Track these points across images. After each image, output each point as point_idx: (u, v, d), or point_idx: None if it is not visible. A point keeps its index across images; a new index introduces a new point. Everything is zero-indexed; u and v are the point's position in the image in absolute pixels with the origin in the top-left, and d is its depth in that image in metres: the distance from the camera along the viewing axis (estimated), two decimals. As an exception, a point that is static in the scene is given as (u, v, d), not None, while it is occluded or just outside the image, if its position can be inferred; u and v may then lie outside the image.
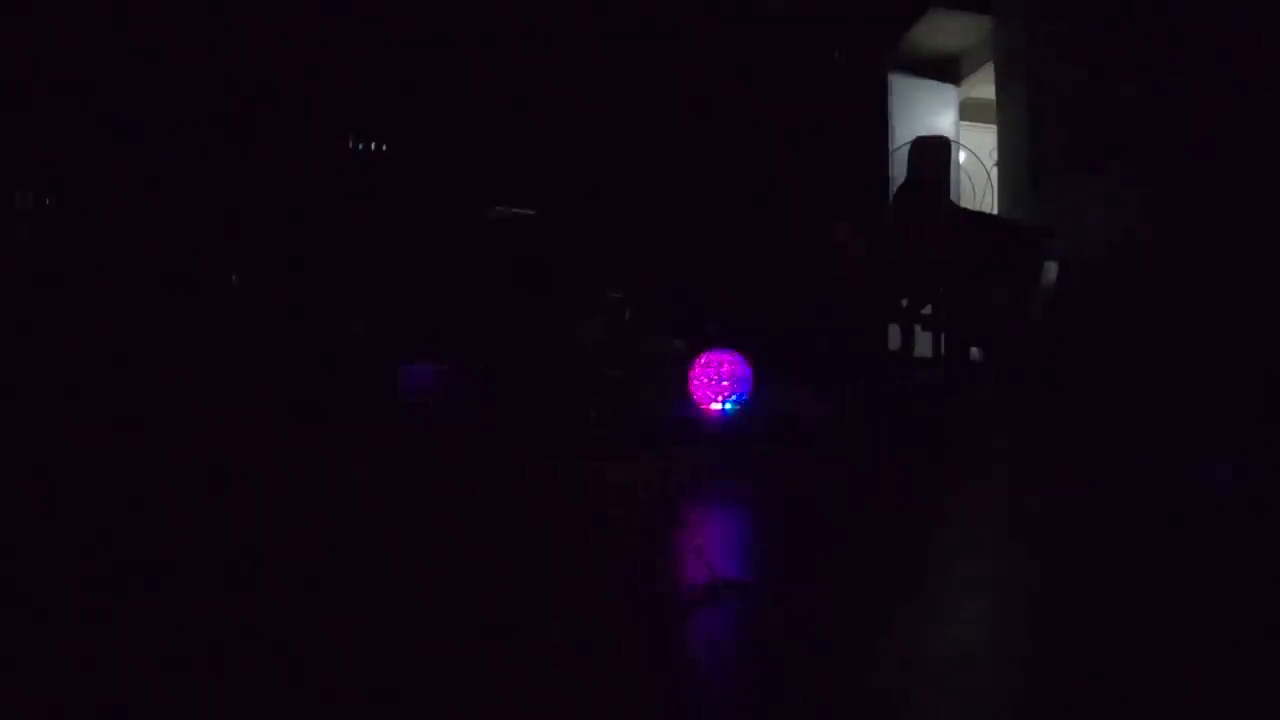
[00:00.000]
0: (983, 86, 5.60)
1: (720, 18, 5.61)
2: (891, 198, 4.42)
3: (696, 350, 3.39)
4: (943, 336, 3.66)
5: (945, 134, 5.02)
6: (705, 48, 5.58)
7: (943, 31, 5.47)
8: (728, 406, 3.21)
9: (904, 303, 3.79)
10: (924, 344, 3.79)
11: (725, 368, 3.23)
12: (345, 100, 5.19)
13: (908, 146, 3.95)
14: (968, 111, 6.06)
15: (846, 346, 4.17)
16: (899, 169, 4.91)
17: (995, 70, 5.15)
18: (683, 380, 3.32)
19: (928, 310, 3.77)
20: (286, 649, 1.05)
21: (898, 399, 3.63)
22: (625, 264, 4.83)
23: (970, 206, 5.37)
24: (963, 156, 5.87)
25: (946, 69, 5.88)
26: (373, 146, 5.31)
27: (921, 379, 3.77)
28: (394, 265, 4.87)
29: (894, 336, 3.97)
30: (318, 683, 0.96)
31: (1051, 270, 3.65)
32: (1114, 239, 3.75)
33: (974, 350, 3.82)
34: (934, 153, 3.75)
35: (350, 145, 5.28)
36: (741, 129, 5.55)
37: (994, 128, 5.21)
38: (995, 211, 5.03)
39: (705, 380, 3.23)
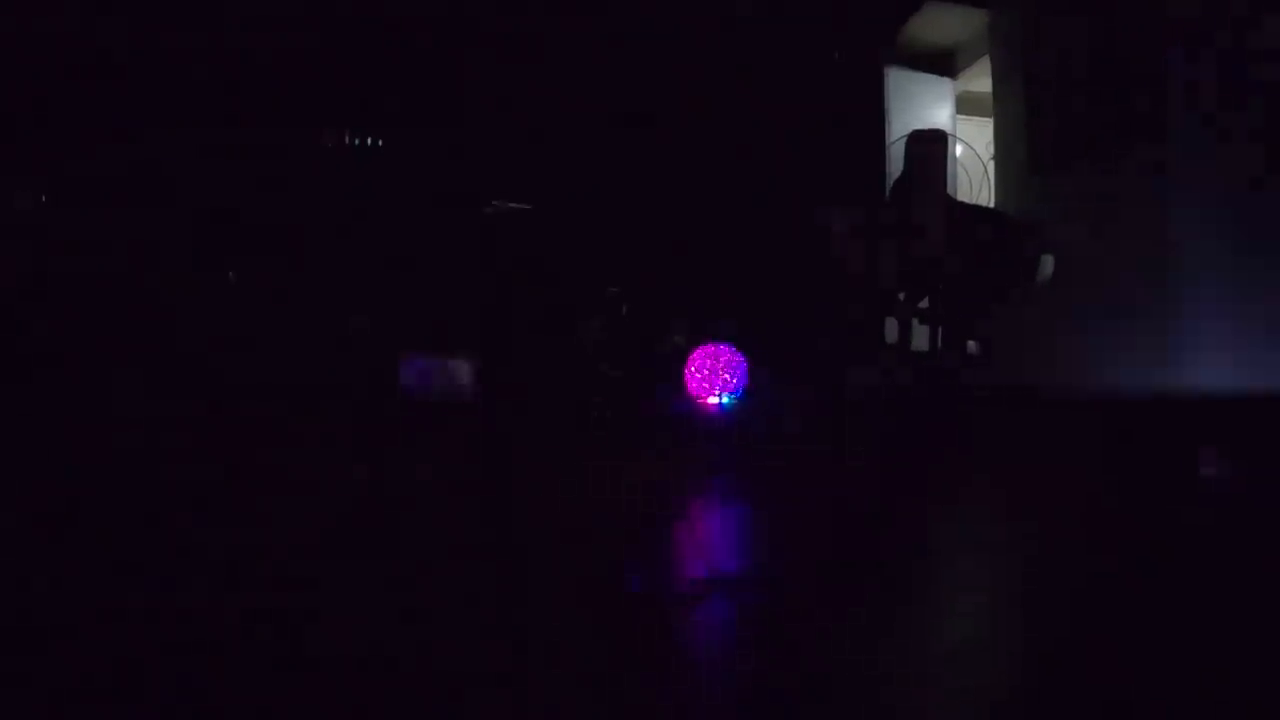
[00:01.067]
0: (979, 80, 5.58)
1: (717, 13, 5.59)
2: (888, 192, 4.42)
3: (693, 345, 3.40)
4: (940, 330, 3.66)
5: (942, 127, 5.02)
6: (702, 43, 5.56)
7: (939, 25, 5.46)
8: (725, 401, 3.22)
9: (901, 297, 3.79)
10: (921, 338, 3.79)
11: (722, 362, 3.24)
12: (344, 96, 5.18)
13: (904, 140, 3.94)
14: (964, 105, 6.04)
15: (844, 341, 4.17)
16: (895, 163, 4.90)
17: (992, 63, 5.15)
18: (680, 375, 3.33)
19: (925, 304, 3.77)
20: (286, 649, 1.06)
21: (895, 393, 3.64)
22: (623, 259, 4.83)
23: (967, 200, 5.36)
24: (959, 150, 5.85)
25: (943, 62, 5.87)
26: (371, 142, 5.29)
27: (919, 373, 3.78)
28: (392, 261, 4.86)
29: (891, 331, 3.97)
30: (318, 682, 0.97)
31: (1048, 264, 3.66)
32: (1111, 232, 3.75)
33: (971, 344, 3.82)
34: (931, 146, 3.75)
35: (348, 141, 5.26)
36: (738, 123, 5.54)
37: (991, 121, 5.20)
38: (992, 205, 5.03)
39: (702, 375, 3.24)
